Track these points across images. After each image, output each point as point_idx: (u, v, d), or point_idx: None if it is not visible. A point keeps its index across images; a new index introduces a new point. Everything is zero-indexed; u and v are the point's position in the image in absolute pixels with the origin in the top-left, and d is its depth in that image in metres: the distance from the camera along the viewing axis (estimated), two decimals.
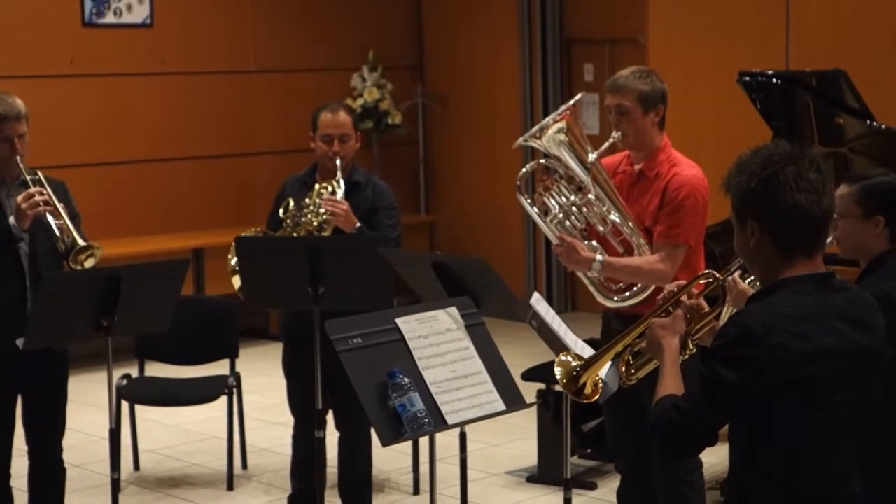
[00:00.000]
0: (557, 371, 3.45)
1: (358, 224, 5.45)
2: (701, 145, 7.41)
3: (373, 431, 3.67)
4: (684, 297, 3.29)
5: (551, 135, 4.91)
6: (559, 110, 4.96)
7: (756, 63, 7.48)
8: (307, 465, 5.72)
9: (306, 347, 5.41)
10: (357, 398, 5.46)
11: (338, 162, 5.54)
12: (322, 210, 5.48)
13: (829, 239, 4.38)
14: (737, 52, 8.78)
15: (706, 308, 3.31)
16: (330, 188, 5.51)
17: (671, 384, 3.11)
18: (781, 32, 8.75)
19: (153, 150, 9.97)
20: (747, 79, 6.69)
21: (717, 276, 3.32)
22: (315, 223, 5.49)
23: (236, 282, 5.50)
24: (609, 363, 3.63)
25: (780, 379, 2.93)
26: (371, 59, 10.91)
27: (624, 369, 3.40)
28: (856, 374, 3.01)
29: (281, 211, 5.59)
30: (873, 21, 8.50)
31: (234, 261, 5.51)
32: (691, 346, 3.27)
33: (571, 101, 4.98)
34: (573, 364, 3.44)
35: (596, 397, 3.49)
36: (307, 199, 5.55)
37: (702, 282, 3.36)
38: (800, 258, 3.03)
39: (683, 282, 3.36)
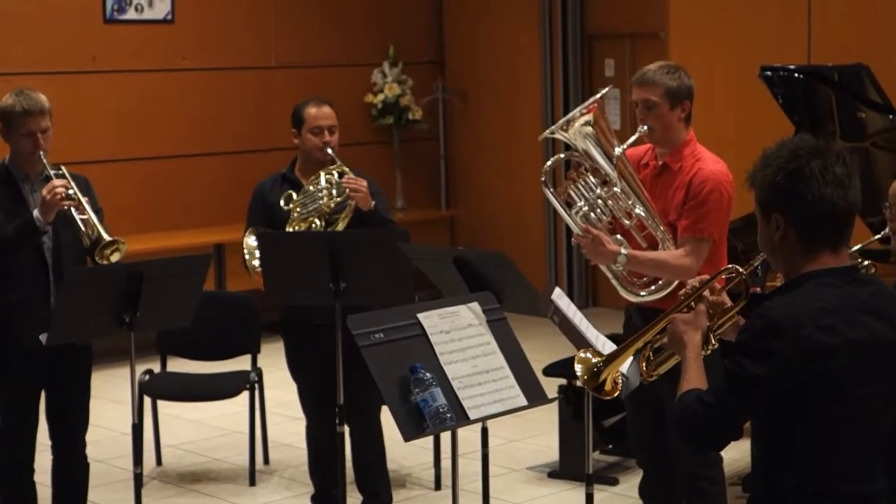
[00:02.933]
0: (578, 368, 3.44)
1: (373, 203, 5.49)
2: (722, 140, 7.39)
3: (394, 425, 3.67)
4: (706, 293, 3.27)
5: (578, 127, 4.90)
6: (586, 103, 4.95)
7: (778, 57, 7.45)
8: (326, 463, 5.75)
9: (308, 339, 5.45)
10: (366, 390, 5.50)
11: (330, 151, 5.61)
12: (337, 193, 5.52)
13: (885, 231, 4.36)
14: (758, 46, 8.75)
15: (728, 303, 3.29)
16: (337, 173, 5.57)
17: (694, 379, 3.10)
18: (803, 26, 8.73)
19: (175, 146, 10.00)
20: (769, 73, 6.67)
21: (741, 270, 3.30)
22: (332, 205, 5.53)
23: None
24: (630, 358, 3.62)
25: (806, 372, 2.92)
26: (391, 54, 10.92)
27: (645, 366, 3.39)
28: (881, 367, 3.00)
29: (282, 202, 5.62)
30: (895, 15, 8.46)
31: (255, 262, 5.53)
32: (713, 342, 3.25)
33: (598, 95, 4.96)
34: (594, 360, 3.43)
35: (616, 394, 3.48)
36: (313, 187, 5.58)
37: (724, 276, 3.34)
38: (825, 252, 3.02)
39: (706, 276, 3.35)
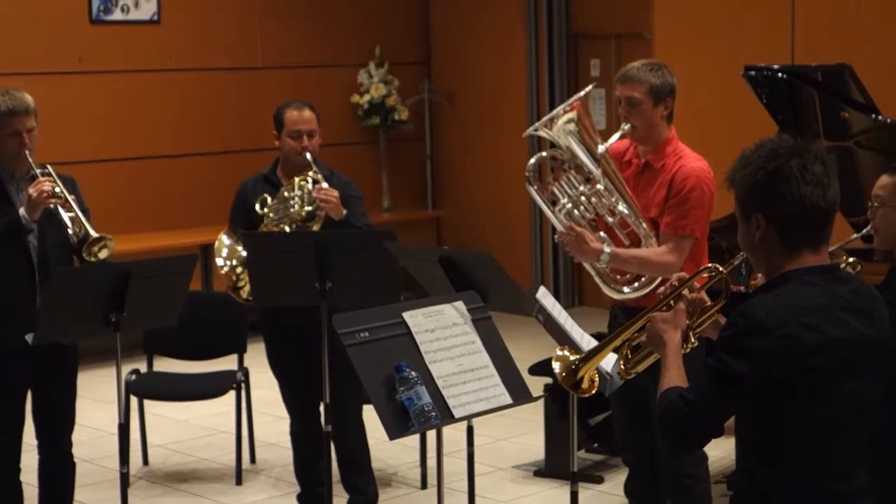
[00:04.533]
0: (556, 365, 3.46)
1: (345, 211, 5.51)
2: (707, 140, 7.41)
3: (379, 424, 3.69)
4: (686, 291, 3.29)
5: (561, 125, 4.92)
6: (569, 101, 4.97)
7: (762, 57, 7.48)
8: (310, 461, 5.77)
9: (288, 339, 5.48)
10: (346, 389, 5.51)
11: (308, 156, 5.62)
12: (308, 201, 5.54)
13: (867, 229, 4.37)
14: (742, 46, 8.78)
15: (708, 302, 3.31)
16: (311, 180, 5.58)
17: (674, 377, 3.12)
18: (787, 27, 8.76)
19: (161, 147, 10.00)
20: (753, 73, 6.68)
21: (721, 269, 3.31)
22: (304, 213, 5.55)
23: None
24: (615, 358, 3.64)
25: (790, 370, 2.94)
26: (378, 55, 10.93)
27: (623, 364, 3.41)
28: (862, 364, 3.03)
29: (258, 206, 5.63)
30: (878, 15, 8.50)
31: (226, 262, 5.60)
32: (693, 340, 3.27)
33: (582, 93, 4.99)
34: (571, 358, 3.45)
35: (593, 392, 3.50)
36: (287, 193, 5.60)
37: (704, 275, 3.36)
38: (805, 250, 3.05)
39: (685, 274, 3.36)
